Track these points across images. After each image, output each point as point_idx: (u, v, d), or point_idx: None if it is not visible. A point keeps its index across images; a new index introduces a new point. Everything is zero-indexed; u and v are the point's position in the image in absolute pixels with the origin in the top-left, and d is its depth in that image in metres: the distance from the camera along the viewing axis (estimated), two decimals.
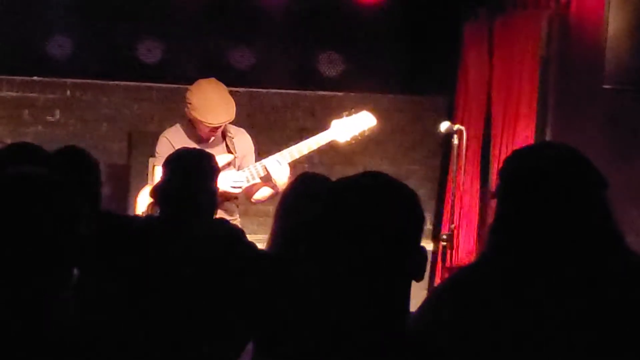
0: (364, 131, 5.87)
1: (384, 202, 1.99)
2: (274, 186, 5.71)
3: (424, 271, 2.02)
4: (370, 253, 1.94)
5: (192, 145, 5.59)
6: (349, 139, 5.86)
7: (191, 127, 5.73)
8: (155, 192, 3.99)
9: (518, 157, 2.57)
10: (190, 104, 5.63)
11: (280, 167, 5.64)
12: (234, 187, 5.63)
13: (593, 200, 2.39)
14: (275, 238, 3.76)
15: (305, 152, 5.78)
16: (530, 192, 2.40)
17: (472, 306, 2.38)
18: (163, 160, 4.11)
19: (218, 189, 4.16)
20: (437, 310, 2.46)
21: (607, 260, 2.36)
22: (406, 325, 1.99)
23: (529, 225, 2.38)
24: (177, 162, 4.00)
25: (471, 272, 2.54)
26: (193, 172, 3.95)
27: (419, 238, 2.03)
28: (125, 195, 6.88)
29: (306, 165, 5.72)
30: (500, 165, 2.53)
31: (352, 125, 5.83)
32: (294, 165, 5.74)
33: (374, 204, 1.98)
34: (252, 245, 3.94)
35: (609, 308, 2.32)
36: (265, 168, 5.66)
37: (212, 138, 5.72)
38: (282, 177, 5.62)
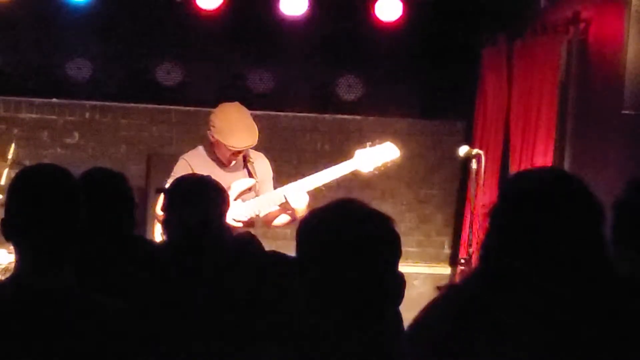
0: (387, 162, 5.84)
1: (351, 230, 2.08)
2: (292, 213, 5.69)
3: (402, 297, 2.06)
4: (342, 282, 1.99)
5: (213, 169, 5.57)
6: (372, 169, 5.81)
7: (212, 150, 5.71)
8: (164, 229, 4.01)
9: (520, 179, 2.57)
10: (213, 126, 5.59)
11: (299, 195, 5.60)
12: (237, 221, 5.57)
13: (585, 227, 2.36)
14: None
15: (327, 180, 5.72)
16: (525, 214, 2.38)
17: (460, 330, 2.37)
18: None
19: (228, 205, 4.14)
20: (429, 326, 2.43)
21: (594, 286, 2.32)
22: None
23: (520, 246, 2.36)
24: (171, 203, 3.99)
25: (460, 294, 2.51)
26: (187, 207, 3.92)
27: (395, 263, 2.07)
28: (144, 217, 6.88)
29: (323, 188, 5.69)
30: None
31: (376, 156, 5.78)
32: (313, 190, 5.72)
33: (341, 233, 2.08)
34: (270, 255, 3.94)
35: (598, 335, 2.28)
36: (285, 197, 5.62)
37: (233, 162, 5.70)
38: (301, 205, 5.59)
